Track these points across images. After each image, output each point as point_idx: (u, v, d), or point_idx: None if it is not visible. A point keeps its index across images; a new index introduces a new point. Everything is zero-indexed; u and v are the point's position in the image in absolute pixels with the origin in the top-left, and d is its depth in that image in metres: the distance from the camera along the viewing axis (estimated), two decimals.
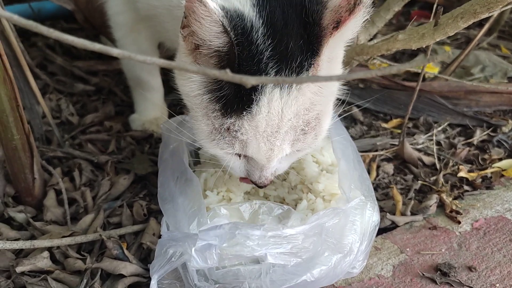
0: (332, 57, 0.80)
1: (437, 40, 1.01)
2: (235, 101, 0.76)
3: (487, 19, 1.60)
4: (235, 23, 0.72)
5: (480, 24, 1.85)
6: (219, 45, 0.73)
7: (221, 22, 0.68)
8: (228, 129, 0.79)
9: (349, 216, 0.88)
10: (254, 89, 0.74)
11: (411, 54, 1.89)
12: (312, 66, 0.76)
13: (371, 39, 1.30)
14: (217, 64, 0.75)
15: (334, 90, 0.85)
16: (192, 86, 0.79)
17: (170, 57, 1.43)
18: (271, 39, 0.74)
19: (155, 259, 0.82)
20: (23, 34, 1.77)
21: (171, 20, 1.02)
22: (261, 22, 0.74)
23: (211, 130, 0.81)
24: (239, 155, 0.86)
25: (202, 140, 0.84)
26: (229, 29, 0.70)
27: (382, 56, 1.71)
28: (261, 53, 0.73)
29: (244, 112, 0.76)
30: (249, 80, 0.49)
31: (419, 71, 1.28)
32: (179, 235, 0.81)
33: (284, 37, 0.75)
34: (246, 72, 0.73)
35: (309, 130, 0.81)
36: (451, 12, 0.97)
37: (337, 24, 0.72)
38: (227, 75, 0.54)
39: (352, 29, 0.74)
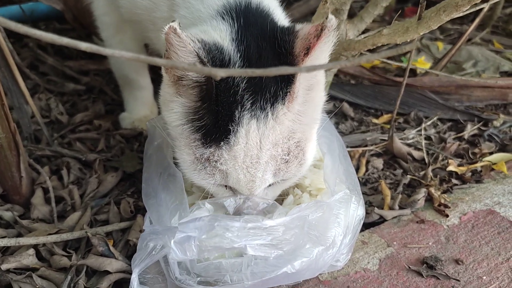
0: (311, 84, 0.81)
1: (421, 34, 1.01)
2: (214, 131, 0.78)
3: (478, 14, 1.60)
4: (213, 55, 0.74)
5: (473, 19, 1.85)
6: (196, 75, 0.75)
7: (196, 52, 0.70)
8: (208, 159, 0.80)
9: (333, 209, 0.88)
10: (231, 120, 0.76)
11: None
12: (288, 94, 0.77)
13: (359, 35, 1.29)
14: (198, 94, 0.77)
15: (314, 117, 0.85)
16: (174, 116, 0.81)
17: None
18: None
19: (136, 253, 0.82)
20: (15, 35, 1.77)
21: (154, 28, 1.03)
22: (238, 55, 0.78)
23: (193, 160, 0.82)
24: (225, 186, 0.86)
25: (186, 170, 0.85)
26: (205, 59, 0.72)
27: (373, 51, 1.71)
28: (237, 85, 0.76)
29: (222, 143, 0.78)
30: (218, 72, 0.49)
31: (411, 66, 1.28)
32: (159, 229, 0.81)
33: None
34: (223, 103, 0.75)
35: (291, 159, 0.82)
36: (435, 6, 0.97)
37: (307, 51, 0.74)
38: (196, 67, 0.54)
39: (322, 53, 0.75)
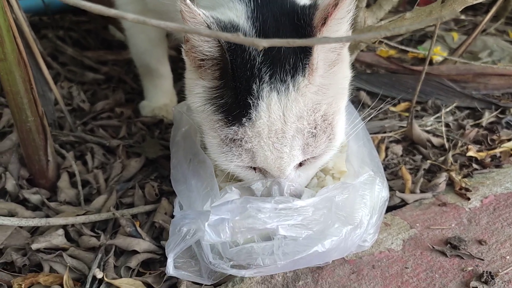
0: (333, 58, 0.79)
1: (445, 17, 1.01)
2: (235, 109, 0.76)
3: (492, 5, 1.60)
4: (227, 30, 0.74)
5: (487, 11, 1.85)
6: (209, 49, 0.74)
7: (206, 23, 0.70)
8: (233, 139, 0.79)
9: (359, 191, 0.89)
10: (251, 95, 0.75)
11: (418, 41, 1.90)
12: (307, 66, 0.76)
13: (378, 22, 1.30)
14: (216, 73, 0.77)
15: (340, 91, 0.83)
16: (196, 99, 0.81)
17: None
18: None
19: (169, 238, 0.83)
20: (34, 26, 1.79)
21: (179, 18, 1.04)
22: (254, 31, 0.77)
23: (218, 142, 0.81)
24: (254, 169, 0.85)
25: (213, 154, 0.84)
26: (214, 29, 0.71)
27: (391, 39, 1.72)
28: (253, 58, 0.75)
29: (244, 119, 0.76)
30: (261, 43, 0.50)
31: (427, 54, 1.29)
32: (191, 213, 0.82)
33: None
34: (241, 78, 0.74)
35: (318, 133, 0.80)
36: None
37: (325, 21, 0.72)
38: (239, 37, 0.55)
39: (339, 23, 0.74)
